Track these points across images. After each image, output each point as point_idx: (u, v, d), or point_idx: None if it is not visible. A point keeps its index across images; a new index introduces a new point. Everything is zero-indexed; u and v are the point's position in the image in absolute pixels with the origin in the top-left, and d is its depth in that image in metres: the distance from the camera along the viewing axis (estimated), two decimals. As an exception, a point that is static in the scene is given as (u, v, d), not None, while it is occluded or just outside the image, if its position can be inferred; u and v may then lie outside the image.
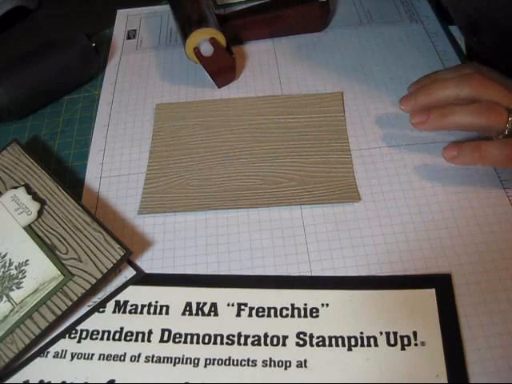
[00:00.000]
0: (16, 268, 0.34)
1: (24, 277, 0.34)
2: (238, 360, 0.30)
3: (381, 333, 0.31)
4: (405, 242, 0.35)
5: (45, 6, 0.60)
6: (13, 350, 0.31)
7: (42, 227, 0.36)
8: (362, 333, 0.31)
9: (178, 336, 0.32)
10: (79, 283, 0.33)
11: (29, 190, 0.38)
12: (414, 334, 0.31)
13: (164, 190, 0.39)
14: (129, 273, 0.35)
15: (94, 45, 0.47)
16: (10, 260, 0.35)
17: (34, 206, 0.37)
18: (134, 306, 0.33)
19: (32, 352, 0.32)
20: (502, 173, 0.38)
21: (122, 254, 0.34)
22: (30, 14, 0.59)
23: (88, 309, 0.33)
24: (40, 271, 0.34)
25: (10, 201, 0.38)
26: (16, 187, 0.38)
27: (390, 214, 0.36)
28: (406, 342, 0.30)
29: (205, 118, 0.44)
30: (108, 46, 0.53)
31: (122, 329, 0.32)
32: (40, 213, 0.37)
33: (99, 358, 0.31)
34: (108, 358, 0.31)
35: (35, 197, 0.38)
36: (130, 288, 0.34)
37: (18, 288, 0.34)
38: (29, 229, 0.36)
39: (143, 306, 0.33)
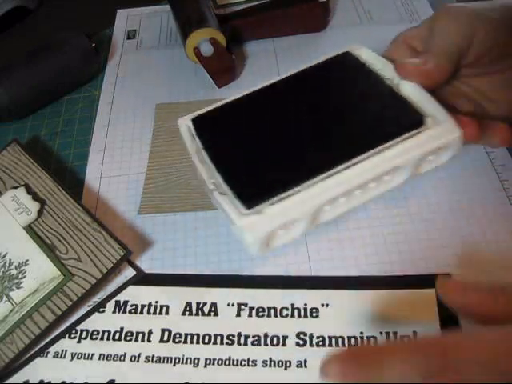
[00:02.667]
0: (16, 268, 0.34)
1: (24, 277, 0.34)
2: (237, 360, 0.30)
3: (381, 333, 0.31)
4: (405, 242, 0.35)
5: (45, 6, 0.60)
6: (13, 350, 0.31)
7: (41, 227, 0.36)
8: (361, 333, 0.31)
9: (177, 336, 0.32)
10: (79, 283, 0.33)
11: (29, 190, 0.38)
12: (414, 334, 0.31)
13: (164, 190, 0.39)
14: (129, 273, 0.35)
15: (93, 45, 0.47)
16: (9, 260, 0.35)
17: (34, 206, 0.37)
18: (134, 306, 0.33)
19: (32, 352, 0.32)
20: (501, 173, 0.38)
21: (122, 254, 0.34)
22: (30, 13, 0.59)
23: (88, 309, 0.33)
24: (40, 271, 0.34)
25: (9, 201, 0.38)
26: (16, 187, 0.38)
27: (390, 214, 0.36)
28: (406, 342, 0.30)
29: None
30: (108, 46, 0.53)
31: (122, 329, 0.32)
32: (40, 213, 0.37)
33: (99, 358, 0.31)
34: (108, 358, 0.31)
35: (35, 197, 0.38)
36: (130, 288, 0.34)
37: (17, 288, 0.34)
38: (29, 229, 0.36)
39: (143, 306, 0.33)
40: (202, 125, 0.35)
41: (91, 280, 0.33)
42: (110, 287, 0.34)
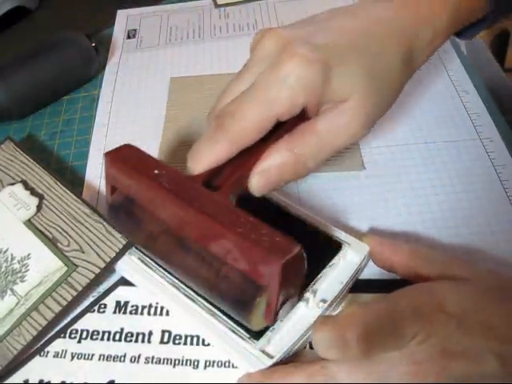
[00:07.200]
0: (18, 262, 0.34)
1: (27, 270, 0.34)
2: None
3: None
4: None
5: (45, 6, 0.60)
6: (20, 342, 0.31)
7: (41, 221, 0.36)
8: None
9: (178, 337, 0.31)
10: (83, 273, 0.33)
11: (26, 186, 0.38)
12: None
13: (178, 151, 0.38)
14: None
15: (93, 45, 0.47)
16: (11, 255, 0.34)
17: (33, 201, 0.37)
18: (134, 307, 0.33)
19: (37, 345, 0.31)
20: (501, 173, 0.38)
21: (124, 242, 0.34)
22: (30, 14, 0.59)
23: (93, 299, 0.33)
24: (43, 264, 0.34)
25: (7, 197, 0.37)
26: (13, 184, 0.38)
27: (390, 214, 0.36)
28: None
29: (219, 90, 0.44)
30: (108, 45, 0.53)
31: (122, 329, 0.32)
32: (39, 207, 0.36)
33: (99, 359, 0.31)
34: (108, 358, 0.31)
35: (33, 192, 0.37)
36: (131, 288, 0.34)
37: (21, 281, 0.33)
38: (29, 223, 0.36)
39: (143, 307, 0.33)
40: None
41: (95, 270, 0.33)
42: (114, 277, 0.34)
